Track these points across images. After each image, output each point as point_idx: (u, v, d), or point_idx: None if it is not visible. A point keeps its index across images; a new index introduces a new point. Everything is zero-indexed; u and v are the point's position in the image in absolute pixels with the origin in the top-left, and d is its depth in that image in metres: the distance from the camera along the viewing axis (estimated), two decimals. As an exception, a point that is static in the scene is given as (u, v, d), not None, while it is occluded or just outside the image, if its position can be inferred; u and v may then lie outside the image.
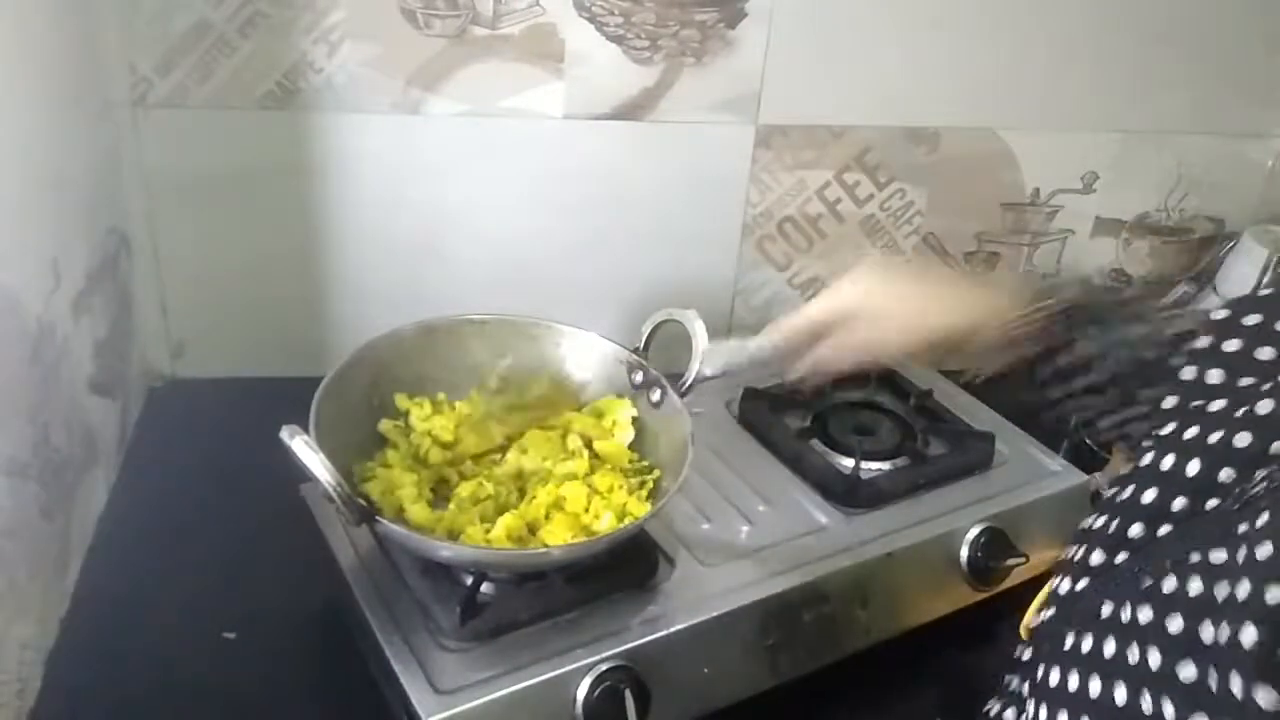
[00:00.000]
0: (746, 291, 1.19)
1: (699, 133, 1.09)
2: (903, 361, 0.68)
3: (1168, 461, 0.53)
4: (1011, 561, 0.86)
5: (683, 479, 0.74)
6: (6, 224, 0.74)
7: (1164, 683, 0.46)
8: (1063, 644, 0.54)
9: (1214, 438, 0.51)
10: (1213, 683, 0.43)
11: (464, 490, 0.76)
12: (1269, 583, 0.41)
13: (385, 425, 0.81)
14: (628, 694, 0.69)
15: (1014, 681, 0.61)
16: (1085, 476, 0.95)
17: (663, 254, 1.14)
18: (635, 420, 0.84)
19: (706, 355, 0.78)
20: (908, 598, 0.85)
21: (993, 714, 0.62)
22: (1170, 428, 0.55)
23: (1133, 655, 0.48)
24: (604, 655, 0.70)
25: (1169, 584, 0.48)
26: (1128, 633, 0.49)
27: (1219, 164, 1.22)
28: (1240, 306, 0.57)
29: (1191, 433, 0.53)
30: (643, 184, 1.11)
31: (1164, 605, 0.47)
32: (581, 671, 0.69)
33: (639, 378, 0.85)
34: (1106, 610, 0.52)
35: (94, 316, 0.92)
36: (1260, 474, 0.49)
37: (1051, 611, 0.57)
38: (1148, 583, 0.49)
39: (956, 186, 1.17)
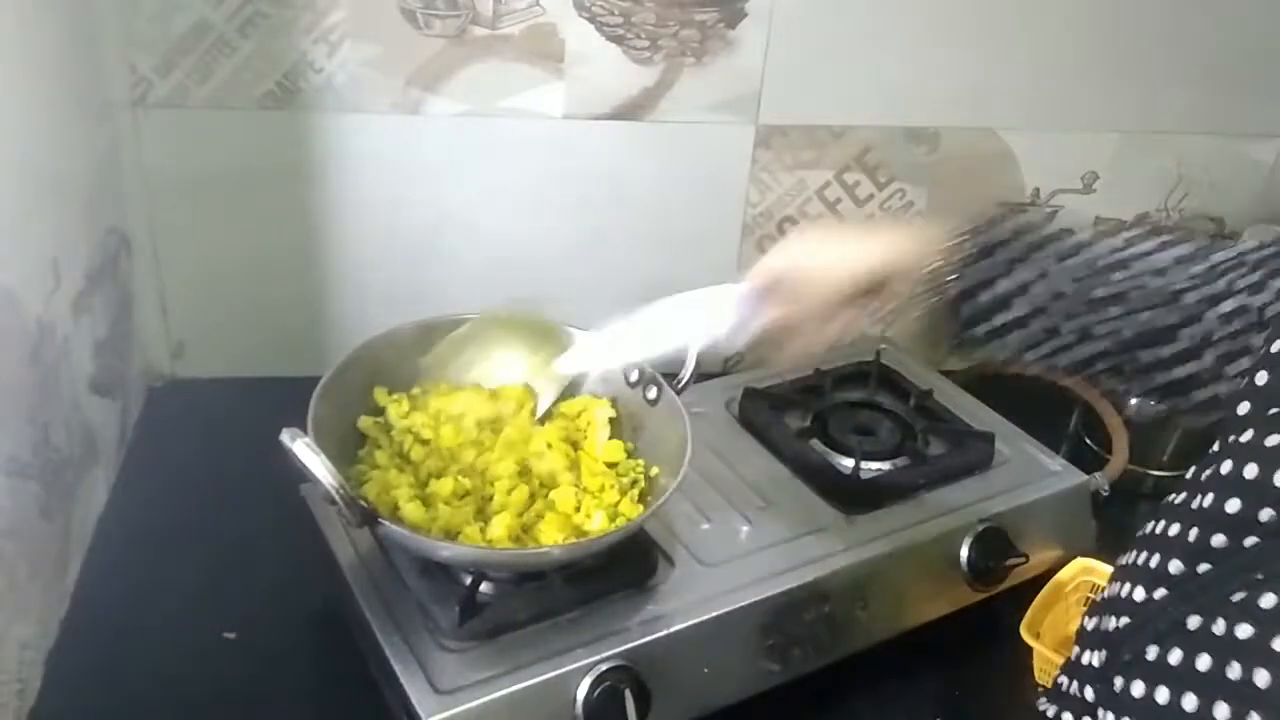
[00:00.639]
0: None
1: (699, 133, 1.09)
2: (836, 316, 0.69)
3: (1251, 470, 0.51)
4: (1011, 561, 0.86)
5: (681, 477, 0.74)
6: (6, 224, 0.74)
7: (1276, 704, 0.45)
8: (1144, 654, 0.52)
9: None
10: None
11: (443, 488, 0.75)
12: None
13: (365, 422, 0.80)
14: (628, 694, 0.69)
15: (1071, 685, 0.59)
16: (1085, 476, 0.95)
17: (663, 254, 1.14)
18: (614, 420, 0.84)
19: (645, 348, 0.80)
20: (908, 598, 0.85)
21: (1050, 715, 0.61)
22: (1248, 435, 0.53)
23: (1233, 672, 0.47)
24: (604, 655, 0.70)
25: (1268, 599, 0.47)
26: (1225, 648, 0.48)
27: (1219, 164, 1.22)
28: None
29: (1274, 440, 0.51)
30: (643, 184, 1.10)
31: (1266, 622, 0.46)
32: (581, 671, 0.69)
33: (635, 376, 0.85)
34: (1195, 623, 0.50)
35: (94, 316, 0.92)
36: None
37: (1126, 620, 0.56)
38: (1241, 595, 0.48)
39: (956, 186, 1.17)
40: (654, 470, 0.81)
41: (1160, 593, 0.54)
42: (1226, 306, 0.61)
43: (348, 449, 0.79)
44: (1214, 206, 1.25)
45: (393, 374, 0.83)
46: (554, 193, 1.10)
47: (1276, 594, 0.46)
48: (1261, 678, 0.45)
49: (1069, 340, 0.64)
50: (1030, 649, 0.81)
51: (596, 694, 0.69)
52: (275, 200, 1.05)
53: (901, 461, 0.92)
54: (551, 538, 0.73)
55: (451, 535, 0.72)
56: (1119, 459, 1.04)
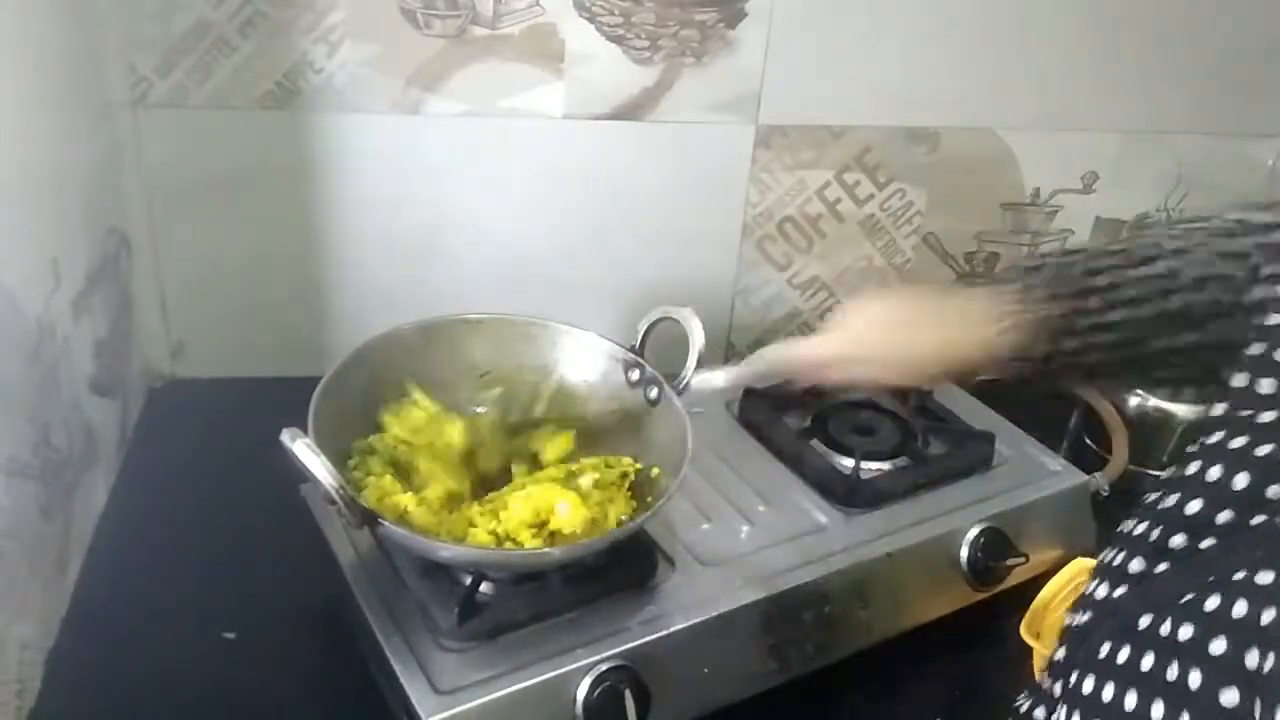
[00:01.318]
0: (746, 291, 1.19)
1: (699, 133, 1.09)
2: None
3: (1214, 472, 0.52)
4: (1011, 561, 0.86)
5: (681, 477, 0.74)
6: (6, 224, 0.74)
7: (1204, 706, 0.45)
8: (1098, 651, 0.53)
9: (1263, 450, 0.50)
10: (1257, 712, 0.42)
11: (433, 492, 0.75)
12: None
13: (373, 441, 0.80)
14: (628, 694, 0.69)
15: (1045, 680, 0.60)
16: (1085, 476, 0.95)
17: (663, 254, 1.14)
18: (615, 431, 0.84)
19: (691, 381, 0.79)
20: (908, 598, 0.85)
21: (1023, 710, 0.62)
22: (1217, 436, 0.54)
23: (1171, 672, 0.47)
24: (604, 655, 0.70)
25: (1212, 602, 0.47)
26: (1167, 648, 0.48)
27: (1219, 164, 1.22)
28: None
29: (1239, 442, 0.52)
30: (643, 184, 1.11)
31: (1207, 624, 0.47)
32: (581, 671, 0.69)
33: (635, 376, 0.85)
34: (1145, 622, 0.51)
35: (94, 316, 0.92)
36: None
37: (1088, 616, 0.56)
38: (1189, 597, 0.49)
39: (956, 186, 1.17)
40: (654, 470, 0.81)
41: (1121, 591, 0.55)
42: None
43: (349, 449, 0.79)
44: (1214, 206, 1.25)
45: (393, 374, 0.83)
46: (554, 193, 1.10)
47: (1222, 597, 0.47)
48: (1194, 679, 0.46)
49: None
50: (1030, 649, 0.81)
51: (596, 694, 0.69)
52: (275, 200, 1.05)
53: (901, 461, 0.92)
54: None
55: (459, 537, 0.72)
56: (1119, 459, 1.04)
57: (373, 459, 0.78)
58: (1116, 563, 0.56)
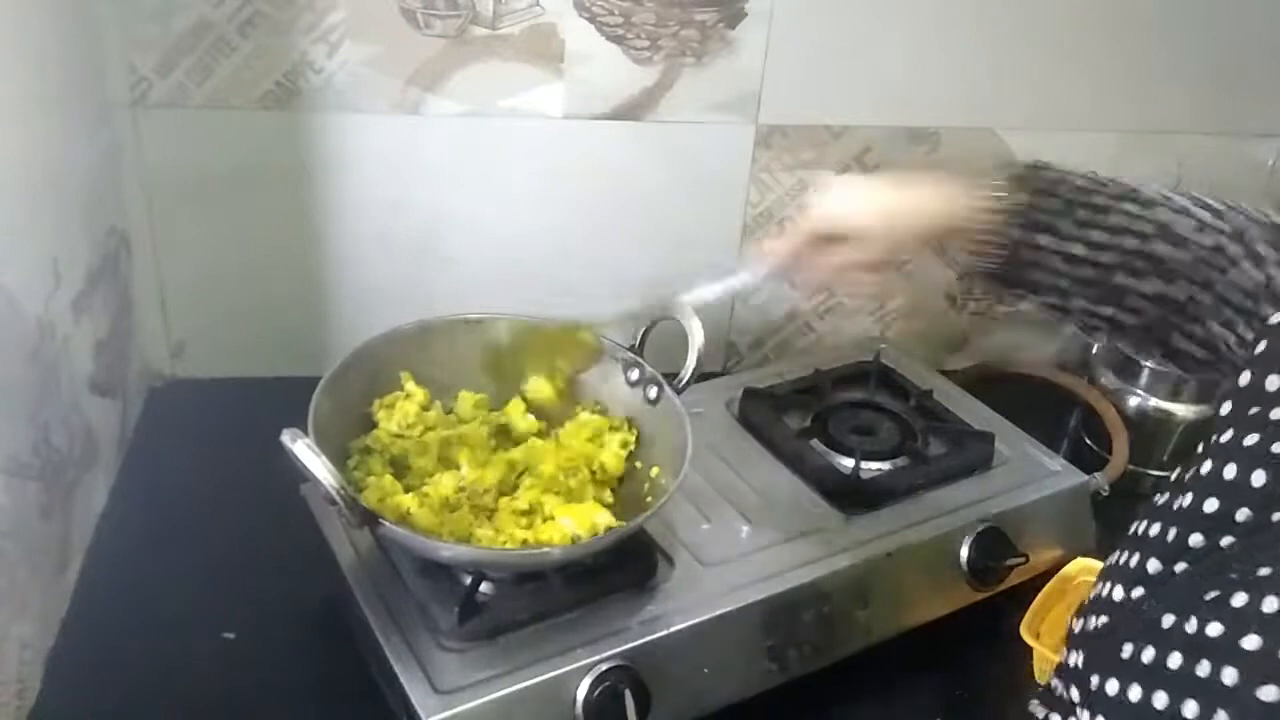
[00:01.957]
0: (746, 291, 1.19)
1: (699, 133, 1.09)
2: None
3: (1230, 470, 0.52)
4: (1011, 561, 0.86)
5: (681, 477, 0.74)
6: (6, 224, 0.74)
7: (1242, 702, 0.45)
8: (1119, 653, 0.52)
9: (1278, 447, 0.50)
10: None
11: (437, 491, 0.75)
12: None
13: (369, 440, 0.80)
14: (628, 694, 0.69)
15: (1059, 686, 0.60)
16: (1085, 476, 0.95)
17: (663, 254, 1.14)
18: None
19: (693, 299, 0.80)
20: (908, 598, 0.85)
21: (1039, 717, 0.62)
22: (1229, 434, 0.53)
23: (1202, 670, 0.47)
24: (604, 655, 0.70)
25: (1239, 599, 0.47)
26: (1195, 646, 0.48)
27: (1219, 164, 1.22)
28: None
29: (1252, 440, 0.52)
30: (643, 184, 1.10)
31: (1236, 621, 0.46)
32: (581, 671, 0.69)
33: (635, 375, 0.85)
34: (1169, 621, 0.50)
35: (94, 316, 0.92)
36: None
37: (1104, 619, 0.56)
38: (1213, 594, 0.48)
39: (956, 186, 1.17)
40: (654, 470, 0.81)
41: (1138, 592, 0.54)
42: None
43: (347, 450, 0.79)
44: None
45: (393, 374, 0.83)
46: (554, 193, 1.10)
47: (1248, 593, 0.47)
48: (1229, 675, 0.46)
49: (1128, 305, 0.63)
50: (1030, 649, 0.81)
51: (596, 694, 0.69)
52: (275, 200, 1.05)
53: (901, 461, 0.92)
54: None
55: (463, 538, 0.72)
56: (1119, 459, 1.04)
57: (372, 459, 0.78)
58: (1131, 564, 0.55)
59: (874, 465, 0.91)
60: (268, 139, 1.02)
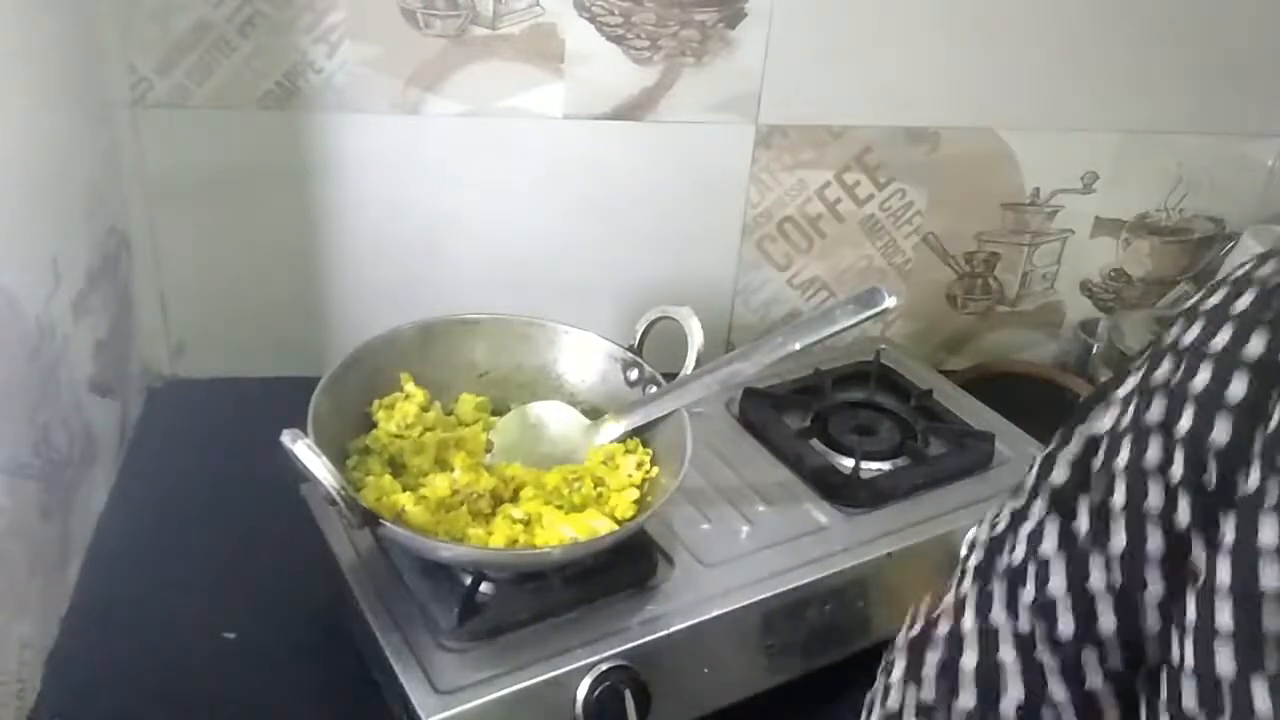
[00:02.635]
0: (746, 291, 1.19)
1: (699, 133, 1.09)
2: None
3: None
4: (1011, 561, 0.86)
5: (681, 477, 0.74)
6: (6, 224, 0.74)
7: None
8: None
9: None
10: None
11: (434, 493, 0.75)
12: None
13: (368, 440, 0.80)
14: (628, 694, 0.69)
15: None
16: (1085, 476, 0.95)
17: (663, 254, 1.14)
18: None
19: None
20: (908, 598, 0.84)
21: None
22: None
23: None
24: (604, 655, 0.70)
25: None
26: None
27: (1219, 164, 1.22)
28: None
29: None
30: (643, 184, 1.11)
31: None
32: (581, 671, 0.69)
33: (634, 375, 0.85)
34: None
35: (94, 316, 0.92)
36: None
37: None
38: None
39: (956, 186, 1.17)
40: (654, 470, 0.81)
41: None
42: None
43: (347, 450, 0.79)
44: (1214, 207, 1.25)
45: (392, 375, 0.83)
46: (554, 193, 1.10)
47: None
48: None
49: None
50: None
51: (596, 694, 0.69)
52: (275, 200, 1.05)
53: (901, 461, 0.92)
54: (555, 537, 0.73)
55: (458, 537, 0.72)
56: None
57: (371, 459, 0.78)
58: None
59: (874, 465, 0.91)
60: (268, 139, 1.02)
